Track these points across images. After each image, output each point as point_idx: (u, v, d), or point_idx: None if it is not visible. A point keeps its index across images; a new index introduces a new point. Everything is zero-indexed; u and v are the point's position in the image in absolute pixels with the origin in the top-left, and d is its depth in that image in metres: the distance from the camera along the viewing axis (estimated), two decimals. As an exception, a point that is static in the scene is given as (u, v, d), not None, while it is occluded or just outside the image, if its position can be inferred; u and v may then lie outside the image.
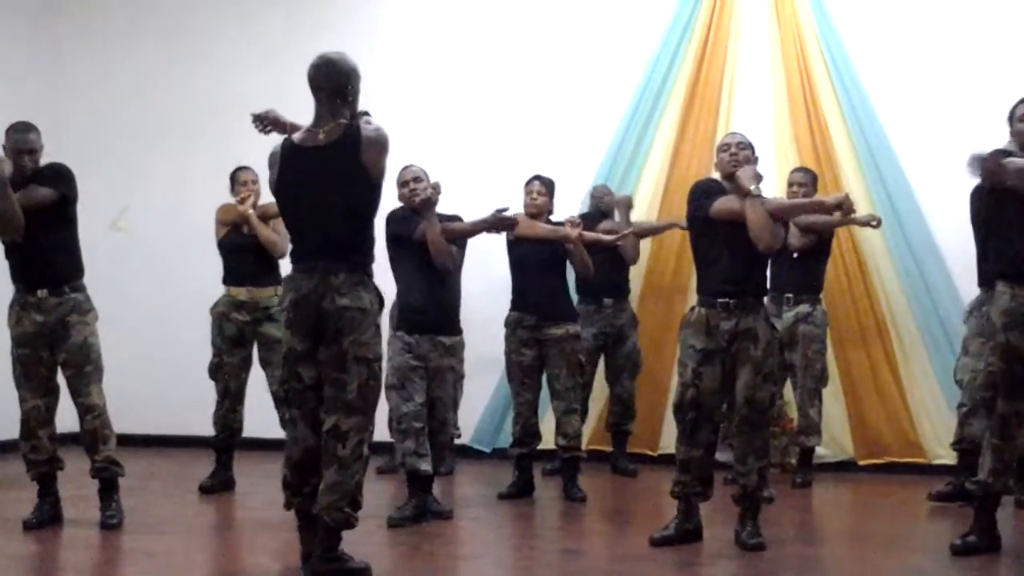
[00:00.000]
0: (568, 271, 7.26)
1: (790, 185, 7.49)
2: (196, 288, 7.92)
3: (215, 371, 7.28)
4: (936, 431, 7.85)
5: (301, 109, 5.04)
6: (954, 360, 7.07)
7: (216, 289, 7.35)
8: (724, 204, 5.58)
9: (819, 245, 7.51)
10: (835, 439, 8.05)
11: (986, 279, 6.20)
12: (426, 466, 6.12)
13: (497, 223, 6.22)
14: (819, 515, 7.12)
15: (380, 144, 4.81)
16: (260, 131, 5.37)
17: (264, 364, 7.27)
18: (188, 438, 8.68)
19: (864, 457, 8.04)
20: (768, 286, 7.04)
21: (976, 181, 5.92)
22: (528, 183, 7.19)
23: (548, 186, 7.17)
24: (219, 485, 7.26)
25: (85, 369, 6.13)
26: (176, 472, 7.48)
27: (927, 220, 7.99)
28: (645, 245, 8.21)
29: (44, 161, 6.13)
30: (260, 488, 7.39)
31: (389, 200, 6.11)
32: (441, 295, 6.28)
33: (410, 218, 6.24)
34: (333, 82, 4.82)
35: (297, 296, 4.80)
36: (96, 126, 9.28)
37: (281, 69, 8.44)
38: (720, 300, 5.58)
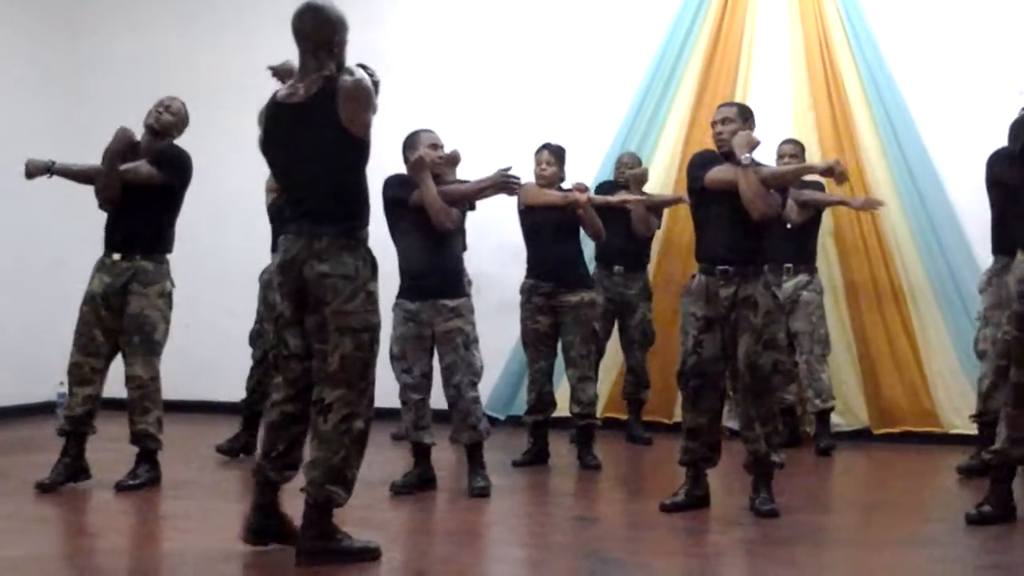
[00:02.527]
0: (585, 240, 7.26)
1: (780, 156, 7.50)
2: (240, 256, 7.95)
3: (255, 338, 7.30)
4: (953, 400, 7.84)
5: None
6: (971, 327, 7.05)
7: (241, 256, 7.34)
8: (718, 174, 5.60)
9: (814, 217, 7.64)
10: (850, 408, 8.04)
11: (1002, 246, 6.17)
12: (428, 439, 6.11)
13: (500, 183, 6.09)
14: (834, 483, 7.12)
15: (358, 97, 4.49)
16: (281, 84, 5.22)
17: None
18: (204, 403, 8.72)
19: (879, 426, 8.03)
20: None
21: (994, 147, 5.87)
22: (537, 152, 7.15)
23: (557, 155, 7.13)
24: (239, 448, 7.29)
25: (134, 339, 6.24)
26: (193, 436, 7.50)
27: (944, 186, 7.97)
28: (663, 209, 8.14)
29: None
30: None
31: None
32: (442, 258, 6.13)
33: (406, 183, 6.15)
34: (318, 33, 4.53)
35: (283, 259, 4.59)
36: (125, 96, 9.26)
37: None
38: (719, 268, 5.59)
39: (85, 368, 6.23)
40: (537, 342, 7.06)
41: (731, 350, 5.58)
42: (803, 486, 6.54)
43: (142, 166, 6.26)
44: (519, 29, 8.82)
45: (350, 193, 4.63)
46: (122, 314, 6.26)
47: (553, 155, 7.10)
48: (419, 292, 6.15)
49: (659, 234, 8.16)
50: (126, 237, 6.31)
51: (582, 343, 6.97)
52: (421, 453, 6.17)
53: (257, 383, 7.29)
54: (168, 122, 6.40)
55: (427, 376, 6.19)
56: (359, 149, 4.59)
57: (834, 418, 7.75)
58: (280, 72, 5.35)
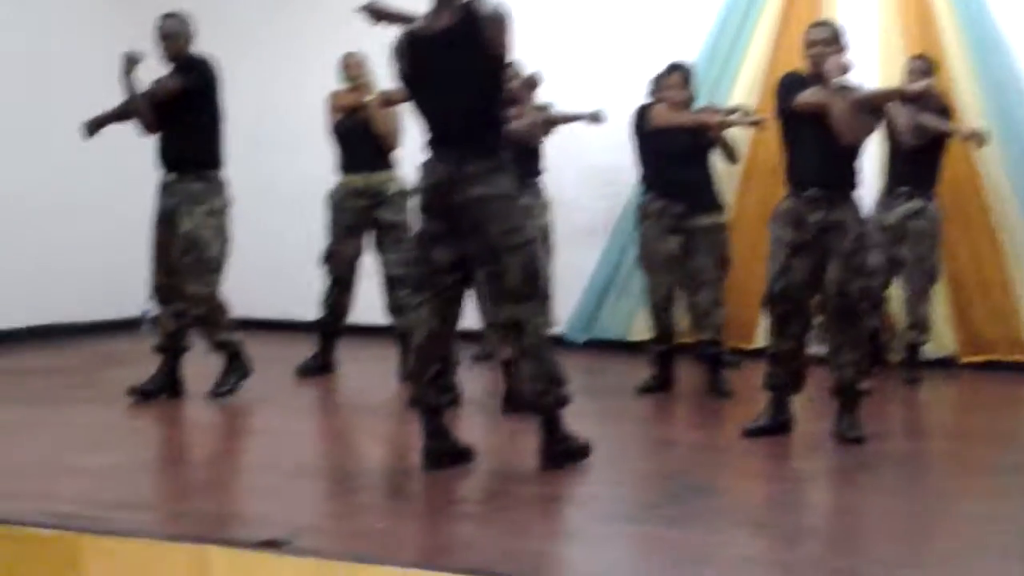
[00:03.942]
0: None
1: (910, 73, 7.21)
2: (310, 178, 7.94)
3: (328, 257, 7.33)
4: (1043, 330, 7.67)
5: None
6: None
7: (328, 179, 7.36)
8: (808, 97, 5.46)
9: (933, 140, 7.30)
10: (937, 335, 7.89)
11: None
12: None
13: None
14: (920, 411, 7.02)
15: (500, 21, 4.64)
16: (371, 23, 5.27)
17: (379, 248, 7.29)
18: (286, 322, 8.79)
19: (967, 354, 7.88)
20: (883, 179, 6.93)
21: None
22: (668, 73, 6.98)
23: (687, 76, 6.97)
24: (318, 368, 7.36)
25: (186, 258, 6.30)
26: (269, 354, 7.59)
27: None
28: (746, 136, 8.01)
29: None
30: (359, 373, 7.52)
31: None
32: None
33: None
34: None
35: (431, 182, 4.71)
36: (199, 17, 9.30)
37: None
38: (808, 192, 5.49)
39: (167, 286, 6.34)
40: (664, 263, 6.91)
41: (819, 275, 5.49)
42: (889, 414, 6.47)
43: (165, 79, 6.35)
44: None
45: (493, 115, 4.80)
46: (175, 234, 6.34)
47: (683, 76, 6.95)
48: None
49: (742, 161, 8.02)
50: (174, 156, 6.41)
51: (713, 267, 6.86)
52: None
53: (331, 303, 7.34)
54: (174, 47, 6.39)
55: None
56: (500, 72, 4.76)
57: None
58: (373, 10, 5.23)
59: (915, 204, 7.31)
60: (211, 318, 6.37)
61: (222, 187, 6.44)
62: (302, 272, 7.72)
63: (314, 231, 7.63)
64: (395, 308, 7.21)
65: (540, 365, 4.74)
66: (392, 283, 7.20)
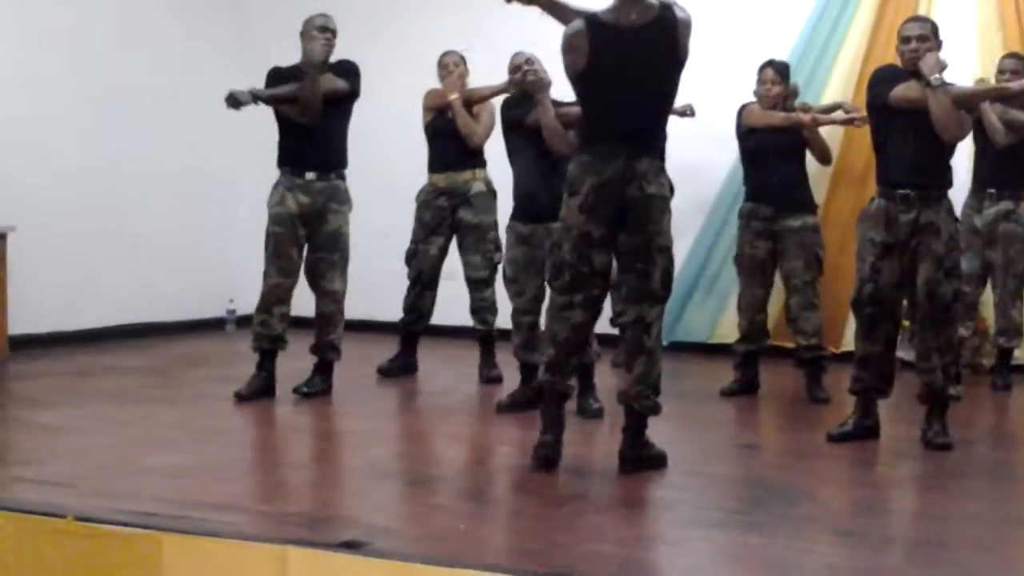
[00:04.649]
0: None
1: (1001, 72, 7.07)
2: (397, 176, 7.96)
3: (411, 257, 7.34)
4: None
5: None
6: None
7: (419, 177, 7.37)
8: (904, 92, 5.35)
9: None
10: (1030, 340, 7.71)
11: None
12: (538, 358, 5.86)
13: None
14: (1011, 418, 6.85)
15: (690, 27, 4.72)
16: (523, 3, 4.99)
17: (461, 249, 7.29)
18: (370, 323, 8.81)
19: (1062, 363, 7.69)
20: (972, 180, 6.75)
21: None
22: (761, 70, 6.91)
23: (782, 72, 6.90)
24: (399, 368, 7.37)
25: (332, 256, 6.46)
26: (352, 355, 7.62)
27: None
28: (836, 136, 7.87)
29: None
30: (440, 373, 7.52)
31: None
32: (555, 181, 5.60)
33: (524, 103, 6.09)
34: None
35: (600, 180, 4.68)
36: (281, 16, 9.33)
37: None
38: (900, 191, 5.38)
39: (283, 287, 6.42)
40: (754, 268, 6.87)
41: (910, 278, 5.38)
42: (978, 420, 6.34)
43: (335, 79, 6.42)
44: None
45: (666, 117, 4.92)
46: (318, 232, 6.43)
47: (778, 73, 6.86)
48: (532, 214, 6.12)
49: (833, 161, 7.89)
50: (319, 157, 6.46)
51: (805, 269, 6.75)
52: (529, 372, 6.08)
53: (413, 303, 7.35)
54: (333, 45, 6.46)
55: (538, 299, 6.13)
56: (679, 77, 4.82)
57: (1016, 352, 7.45)
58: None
59: (1005, 206, 7.16)
60: (336, 318, 6.51)
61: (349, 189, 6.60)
62: (386, 272, 7.71)
63: (399, 231, 7.63)
64: (477, 310, 7.20)
65: (652, 369, 4.81)
66: (475, 285, 7.19)
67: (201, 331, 9.29)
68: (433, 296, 7.38)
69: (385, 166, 8.71)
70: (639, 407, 4.83)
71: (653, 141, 4.80)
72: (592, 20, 4.73)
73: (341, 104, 6.46)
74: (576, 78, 4.80)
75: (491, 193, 7.24)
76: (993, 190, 7.17)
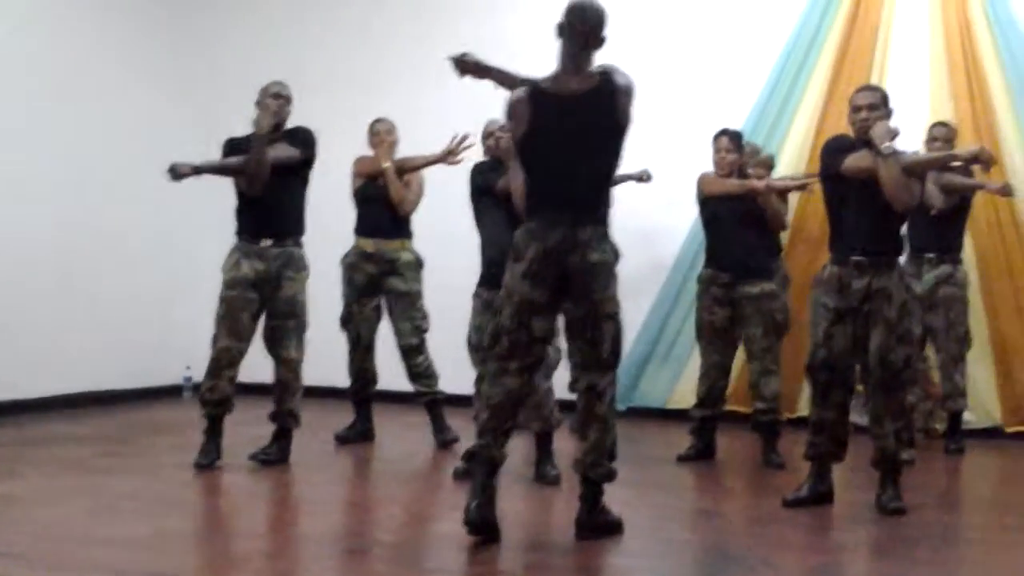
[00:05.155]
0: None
1: (932, 139, 7.22)
2: (329, 239, 7.92)
3: (346, 321, 7.38)
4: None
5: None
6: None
7: (343, 241, 7.40)
8: (855, 161, 5.43)
9: (960, 203, 7.26)
10: (982, 405, 7.82)
11: None
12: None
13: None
14: (963, 482, 6.93)
15: (632, 93, 4.76)
16: (458, 74, 5.12)
17: (391, 316, 7.34)
18: (331, 389, 8.77)
19: (1012, 424, 7.81)
20: (908, 246, 6.85)
21: None
22: (716, 139, 6.95)
23: (736, 140, 6.95)
24: (357, 435, 7.37)
25: (288, 323, 6.45)
26: (313, 422, 7.60)
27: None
28: (792, 200, 7.97)
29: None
30: (399, 439, 7.51)
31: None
32: None
33: (496, 169, 6.15)
34: (591, 28, 4.75)
35: (544, 247, 4.68)
36: (229, 81, 9.36)
37: (420, 23, 8.48)
38: (853, 258, 5.45)
39: (234, 351, 6.39)
40: (712, 335, 6.91)
41: (862, 344, 5.45)
42: (931, 484, 6.39)
43: (286, 148, 6.42)
44: (646, 14, 8.72)
45: (608, 183, 4.92)
46: (273, 299, 6.42)
47: (732, 140, 6.92)
48: (499, 281, 6.07)
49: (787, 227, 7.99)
50: (274, 224, 6.46)
51: (764, 336, 6.78)
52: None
53: (358, 369, 7.38)
54: (286, 112, 6.51)
55: None
56: (621, 143, 4.82)
57: (965, 415, 7.52)
58: (464, 64, 5.07)
59: (944, 270, 7.27)
60: (293, 386, 6.49)
61: (306, 256, 6.59)
62: (337, 336, 7.72)
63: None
64: (414, 376, 7.24)
65: (606, 436, 4.81)
66: (407, 352, 7.25)
67: (157, 398, 9.23)
68: (373, 359, 7.41)
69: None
70: (594, 476, 4.81)
71: (595, 208, 4.78)
72: (534, 88, 4.78)
73: (293, 172, 6.45)
74: (518, 145, 4.87)
75: (419, 263, 7.34)
76: (932, 255, 7.27)
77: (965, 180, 7.14)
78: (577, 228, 4.68)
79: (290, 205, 6.52)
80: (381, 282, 7.30)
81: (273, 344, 6.50)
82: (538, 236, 4.72)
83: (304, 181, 6.58)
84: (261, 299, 6.43)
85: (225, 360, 6.37)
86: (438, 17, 9.23)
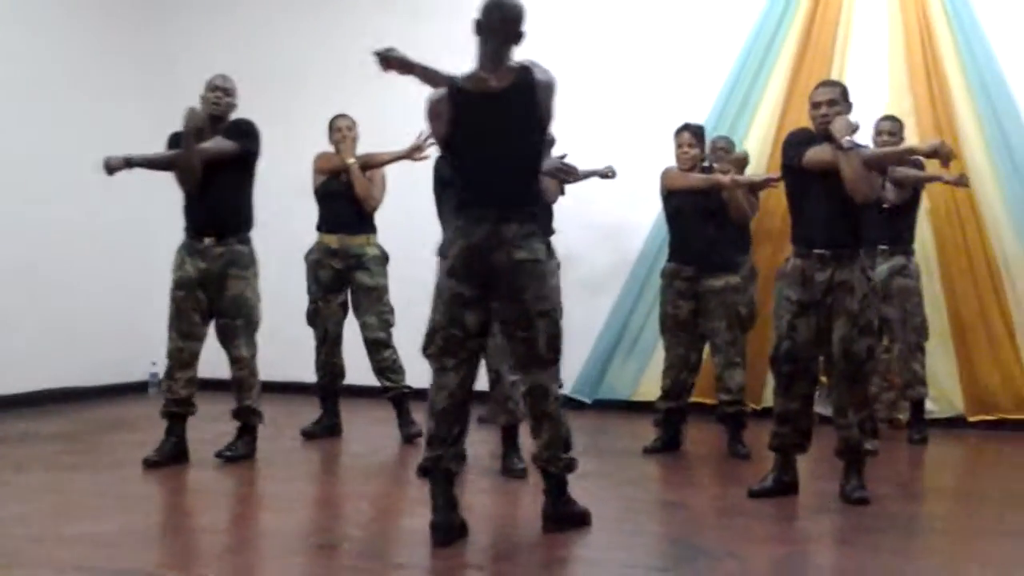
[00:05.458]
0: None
1: (879, 133, 7.27)
2: (292, 236, 7.88)
3: (312, 317, 7.37)
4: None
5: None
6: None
7: (311, 237, 7.38)
8: (816, 154, 5.47)
9: (912, 196, 7.33)
10: (944, 394, 7.88)
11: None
12: None
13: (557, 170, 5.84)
14: (927, 471, 6.99)
15: (552, 88, 4.71)
16: (383, 69, 4.99)
17: (357, 311, 7.33)
18: (298, 384, 8.76)
19: (974, 413, 7.87)
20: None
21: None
22: (677, 133, 6.98)
23: (698, 135, 6.98)
24: (323, 430, 7.36)
25: (236, 321, 6.38)
26: (279, 418, 7.57)
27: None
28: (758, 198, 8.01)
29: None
30: (365, 434, 7.51)
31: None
32: None
33: None
34: (508, 24, 4.71)
35: (468, 244, 4.67)
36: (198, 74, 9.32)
37: (390, 17, 8.47)
38: (815, 251, 5.49)
39: (185, 352, 6.34)
40: (676, 328, 6.94)
41: (825, 335, 5.49)
42: (895, 474, 6.45)
43: (221, 141, 6.30)
44: (607, 10, 8.74)
45: (534, 179, 4.89)
46: (219, 298, 6.36)
47: (694, 135, 6.94)
48: None
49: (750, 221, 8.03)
50: (216, 221, 6.36)
51: (728, 329, 6.82)
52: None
53: (324, 363, 7.38)
54: (229, 104, 6.44)
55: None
56: (544, 138, 4.84)
57: (928, 404, 7.60)
58: (388, 59, 5.05)
59: (898, 261, 7.33)
60: (248, 382, 6.44)
61: (254, 251, 6.51)
62: (304, 332, 7.70)
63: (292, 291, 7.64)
64: (380, 371, 7.24)
65: (558, 430, 4.79)
66: (373, 346, 7.24)
67: (123, 395, 9.19)
68: (340, 353, 7.41)
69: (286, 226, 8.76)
70: (555, 470, 4.83)
71: (521, 205, 4.73)
72: (454, 87, 4.76)
73: (233, 166, 6.33)
74: (442, 144, 4.87)
75: (384, 257, 7.33)
76: (885, 246, 7.32)
77: (919, 173, 7.21)
78: (501, 225, 4.65)
79: (233, 201, 6.40)
80: (347, 277, 7.29)
81: (224, 343, 6.45)
82: (464, 233, 4.71)
83: (249, 176, 6.47)
84: (209, 298, 6.37)
85: (177, 362, 6.32)
86: (410, 15, 9.21)
